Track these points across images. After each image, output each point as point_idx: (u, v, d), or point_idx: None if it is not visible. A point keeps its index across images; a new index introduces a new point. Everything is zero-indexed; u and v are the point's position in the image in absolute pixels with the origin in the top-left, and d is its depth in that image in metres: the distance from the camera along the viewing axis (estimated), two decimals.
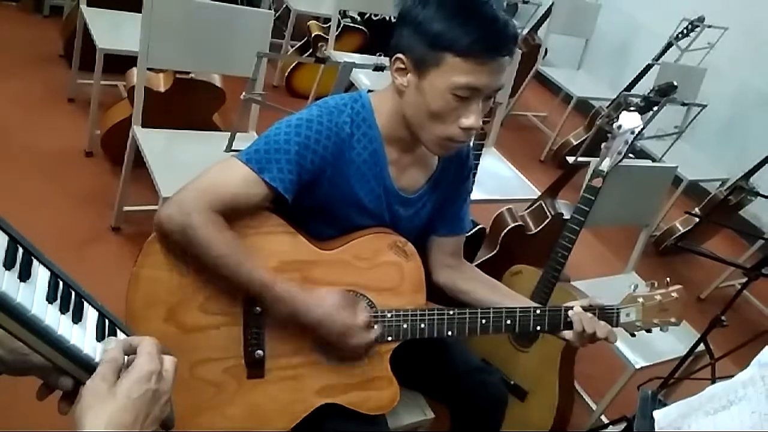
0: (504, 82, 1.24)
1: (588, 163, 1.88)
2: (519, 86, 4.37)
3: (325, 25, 3.90)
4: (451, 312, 1.35)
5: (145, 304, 1.21)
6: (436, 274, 1.53)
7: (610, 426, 2.05)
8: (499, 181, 2.69)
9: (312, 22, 3.95)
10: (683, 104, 2.98)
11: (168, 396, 0.77)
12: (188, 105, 2.64)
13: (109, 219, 2.54)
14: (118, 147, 2.51)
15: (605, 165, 1.79)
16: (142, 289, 1.21)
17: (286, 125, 1.25)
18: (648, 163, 2.57)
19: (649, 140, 2.78)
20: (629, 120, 1.77)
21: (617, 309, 1.43)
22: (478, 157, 2.08)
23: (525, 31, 4.58)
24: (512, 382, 2.00)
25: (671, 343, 2.05)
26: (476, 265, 1.63)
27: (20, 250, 0.71)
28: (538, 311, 1.39)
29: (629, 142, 1.77)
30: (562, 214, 2.31)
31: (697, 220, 3.43)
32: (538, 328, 1.39)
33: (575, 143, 4.13)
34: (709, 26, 3.93)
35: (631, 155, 1.82)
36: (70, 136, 2.93)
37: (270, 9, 3.36)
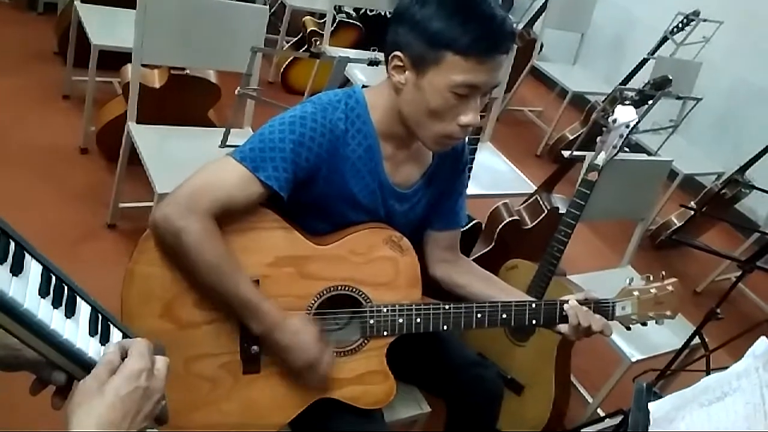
0: (501, 78, 1.24)
1: (584, 157, 1.88)
2: (515, 81, 4.38)
3: (320, 21, 3.91)
4: (447, 306, 1.36)
5: (140, 301, 1.21)
6: (432, 269, 1.53)
7: (606, 419, 2.06)
8: (494, 175, 2.70)
9: (307, 18, 3.96)
10: (678, 98, 2.97)
11: (160, 394, 0.78)
12: (183, 101, 2.64)
13: (104, 216, 2.54)
14: (113, 144, 2.51)
15: (601, 159, 1.79)
16: (137, 286, 1.21)
17: (279, 122, 1.25)
18: (643, 156, 2.56)
19: (645, 134, 2.78)
20: (624, 114, 1.77)
21: (613, 302, 1.43)
22: (473, 152, 2.08)
23: (520, 26, 4.56)
24: (509, 377, 2.01)
25: (667, 336, 2.06)
26: (472, 260, 1.63)
27: (12, 244, 0.71)
28: (533, 305, 1.40)
29: (624, 135, 1.77)
30: (558, 209, 2.31)
31: (692, 213, 3.43)
32: (534, 322, 1.40)
33: (571, 138, 4.13)
34: (705, 20, 3.93)
35: (626, 149, 1.82)
36: (65, 133, 2.93)
37: (265, 4, 3.34)
